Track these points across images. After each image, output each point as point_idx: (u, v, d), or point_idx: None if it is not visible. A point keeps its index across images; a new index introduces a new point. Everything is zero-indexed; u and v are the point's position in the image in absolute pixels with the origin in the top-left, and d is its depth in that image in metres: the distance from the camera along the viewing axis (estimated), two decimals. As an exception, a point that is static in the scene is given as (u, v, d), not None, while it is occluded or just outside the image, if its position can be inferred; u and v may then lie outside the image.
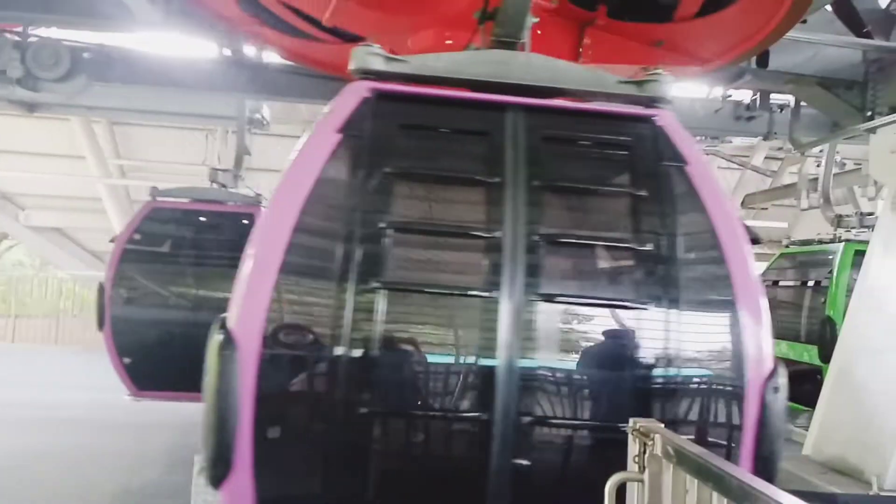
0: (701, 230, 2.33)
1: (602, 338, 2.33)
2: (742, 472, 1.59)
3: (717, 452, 2.12)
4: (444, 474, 2.19)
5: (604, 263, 2.44)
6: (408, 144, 2.42)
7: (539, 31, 4.63)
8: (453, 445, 2.21)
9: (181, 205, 7.01)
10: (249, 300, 2.07)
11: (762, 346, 2.20)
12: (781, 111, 7.76)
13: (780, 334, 8.78)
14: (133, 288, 6.73)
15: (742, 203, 15.17)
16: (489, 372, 2.09)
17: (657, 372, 2.19)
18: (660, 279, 2.27)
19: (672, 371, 2.18)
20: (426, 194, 2.44)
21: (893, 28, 6.17)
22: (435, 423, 2.19)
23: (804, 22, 5.80)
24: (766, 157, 15.50)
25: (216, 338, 2.03)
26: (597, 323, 2.33)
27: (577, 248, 2.41)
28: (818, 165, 9.86)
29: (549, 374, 2.21)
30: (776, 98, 7.72)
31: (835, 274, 7.80)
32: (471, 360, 2.21)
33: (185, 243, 7.01)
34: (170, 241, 6.95)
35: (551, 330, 2.23)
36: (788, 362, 8.56)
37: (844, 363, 5.94)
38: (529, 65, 2.61)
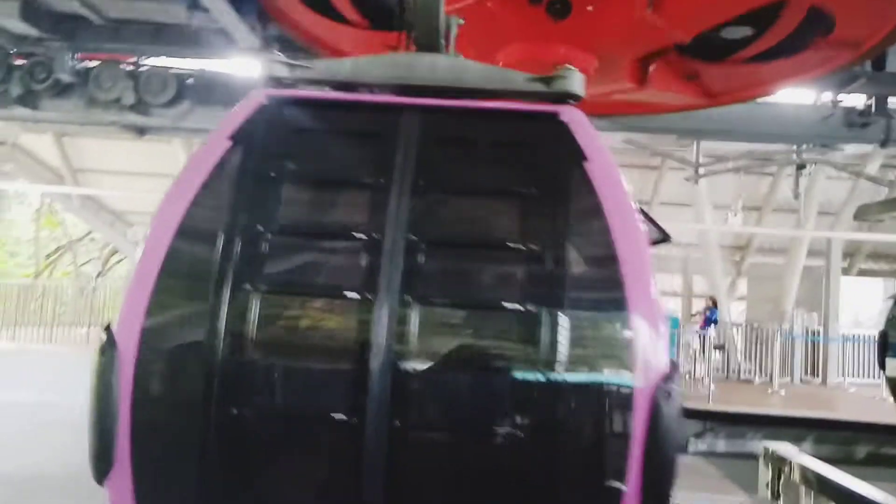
0: (595, 230, 2.21)
1: (483, 341, 2.23)
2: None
3: (604, 459, 2.05)
4: (316, 474, 2.20)
5: (491, 265, 2.33)
6: (298, 149, 2.42)
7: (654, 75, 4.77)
8: (325, 447, 2.17)
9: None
10: (129, 304, 2.16)
11: (654, 350, 2.05)
12: (900, 116, 7.17)
13: None
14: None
15: (855, 215, 14.13)
16: (363, 376, 2.07)
17: (540, 376, 2.08)
18: (547, 281, 2.17)
19: (556, 375, 2.07)
20: (311, 198, 2.42)
21: None
22: (306, 424, 2.16)
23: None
24: (881, 166, 14.36)
25: (100, 338, 2.14)
26: (479, 326, 2.25)
27: (462, 249, 2.31)
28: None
29: (426, 378, 2.14)
30: (894, 102, 7.15)
31: None
32: (344, 363, 2.16)
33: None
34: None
35: (430, 333, 2.16)
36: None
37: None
38: (434, 66, 2.57)
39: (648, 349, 2.07)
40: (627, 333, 2.07)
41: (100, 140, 15.19)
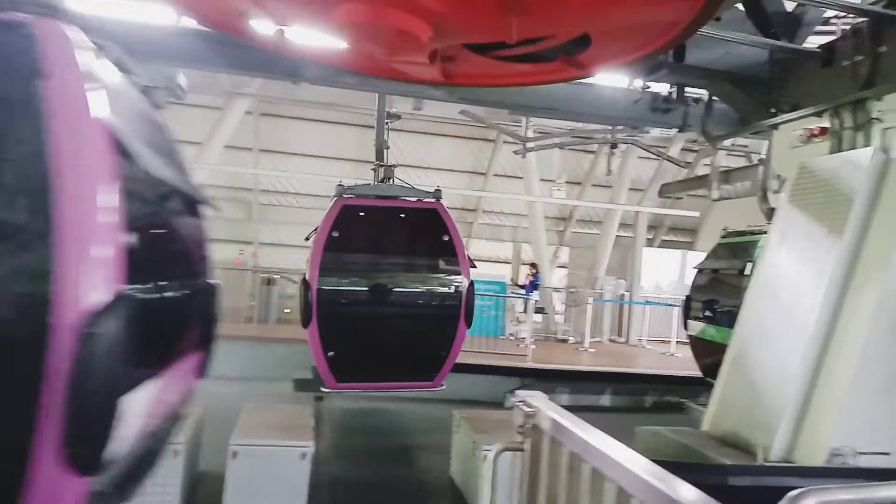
0: (34, 153, 1.93)
1: None
2: (609, 440, 1.65)
3: (21, 402, 1.84)
4: None
5: None
6: None
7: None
8: None
9: (371, 201, 7.10)
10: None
11: (84, 283, 1.89)
12: (696, 104, 8.05)
13: (716, 321, 9.15)
14: (335, 284, 6.82)
15: (659, 192, 15.82)
16: None
17: None
18: None
19: None
20: None
21: (797, 31, 6.51)
22: None
23: (718, 19, 6.04)
24: (682, 149, 16.16)
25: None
26: None
27: None
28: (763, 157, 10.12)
29: None
30: (691, 92, 8.01)
31: (756, 262, 8.22)
32: None
33: (376, 238, 7.29)
34: (363, 237, 7.20)
35: None
36: (719, 346, 9.01)
37: (741, 345, 6.31)
38: None
39: (74, 282, 1.85)
40: (47, 265, 1.84)
41: None
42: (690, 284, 9.92)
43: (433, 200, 7.21)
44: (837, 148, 5.92)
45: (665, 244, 20.17)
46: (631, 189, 17.05)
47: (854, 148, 5.75)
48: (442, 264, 7.03)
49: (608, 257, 16.99)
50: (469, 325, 6.94)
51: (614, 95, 8.36)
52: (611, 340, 16.00)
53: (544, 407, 1.98)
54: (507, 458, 2.29)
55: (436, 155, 17.52)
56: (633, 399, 11.04)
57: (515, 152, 14.21)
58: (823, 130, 6.10)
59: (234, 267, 14.76)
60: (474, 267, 7.31)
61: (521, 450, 2.03)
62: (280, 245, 17.84)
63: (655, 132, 11.31)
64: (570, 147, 15.30)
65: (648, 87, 8.17)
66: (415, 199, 7.35)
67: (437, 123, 16.35)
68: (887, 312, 5.20)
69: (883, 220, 5.38)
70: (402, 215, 7.25)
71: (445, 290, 7.02)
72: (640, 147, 12.76)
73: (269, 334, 12.96)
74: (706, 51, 6.53)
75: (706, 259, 9.74)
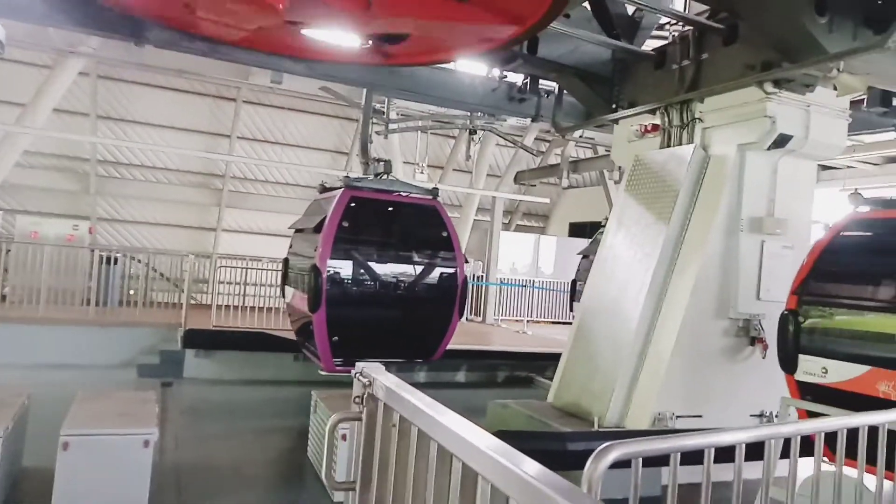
0: None
1: None
2: (434, 404, 1.77)
3: None
4: None
5: None
6: None
7: None
8: None
9: (374, 195, 7.44)
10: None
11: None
12: (547, 96, 8.50)
13: None
14: (342, 271, 7.15)
15: (515, 179, 16.52)
16: None
17: None
18: None
19: None
20: None
21: (636, 34, 7.08)
22: None
23: (567, 16, 6.42)
24: (536, 139, 16.96)
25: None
26: None
27: None
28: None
29: None
30: (544, 84, 8.45)
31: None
32: None
33: (378, 230, 7.66)
34: (366, 228, 7.46)
35: None
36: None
37: (583, 322, 6.83)
38: None
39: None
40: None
41: None
42: (576, 269, 10.44)
43: (431, 198, 7.59)
44: (666, 143, 6.54)
45: (520, 228, 21.15)
46: (489, 175, 17.65)
47: (680, 144, 6.39)
48: (440, 258, 7.53)
49: (468, 240, 17.53)
50: (461, 314, 7.64)
51: (473, 83, 8.63)
52: (468, 319, 16.57)
53: (379, 376, 2.06)
54: (352, 430, 2.34)
55: (293, 131, 17.06)
56: (486, 375, 11.54)
57: (378, 133, 14.18)
58: (655, 127, 6.71)
59: (67, 244, 13.45)
60: (467, 262, 7.81)
61: (359, 419, 2.11)
62: (122, 221, 16.53)
63: (512, 121, 11.79)
64: (433, 131, 15.53)
65: (505, 77, 8.51)
66: (414, 194, 7.69)
67: (296, 99, 15.90)
68: (700, 290, 5.87)
69: (700, 210, 6.05)
70: (403, 209, 7.65)
71: (443, 282, 7.50)
72: (498, 135, 13.24)
73: (109, 318, 12.02)
74: (557, 45, 6.92)
75: (590, 245, 10.32)
